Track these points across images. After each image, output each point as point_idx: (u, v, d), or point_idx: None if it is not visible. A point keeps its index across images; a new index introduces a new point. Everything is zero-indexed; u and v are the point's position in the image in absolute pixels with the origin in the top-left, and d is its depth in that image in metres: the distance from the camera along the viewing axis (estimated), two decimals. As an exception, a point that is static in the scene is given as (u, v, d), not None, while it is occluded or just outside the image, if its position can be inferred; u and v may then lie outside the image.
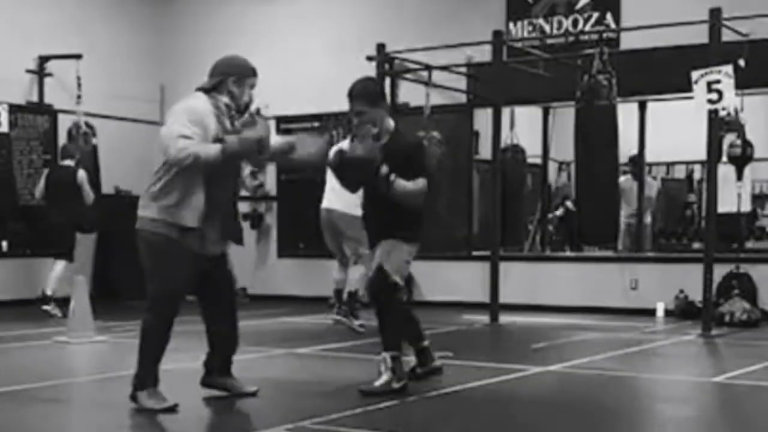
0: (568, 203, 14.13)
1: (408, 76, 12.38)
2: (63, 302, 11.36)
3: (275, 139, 5.88)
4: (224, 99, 5.70)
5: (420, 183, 5.98)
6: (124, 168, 13.31)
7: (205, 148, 5.39)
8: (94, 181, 12.38)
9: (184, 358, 7.14)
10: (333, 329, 9.65)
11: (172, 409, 5.48)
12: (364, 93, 6.14)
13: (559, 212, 14.27)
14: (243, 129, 5.57)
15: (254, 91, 5.91)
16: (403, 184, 5.91)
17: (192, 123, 5.46)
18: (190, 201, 5.48)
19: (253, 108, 5.97)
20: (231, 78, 5.77)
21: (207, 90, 5.72)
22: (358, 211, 7.59)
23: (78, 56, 12.88)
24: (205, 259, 5.64)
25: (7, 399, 5.99)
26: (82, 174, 11.63)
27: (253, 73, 5.91)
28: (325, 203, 9.53)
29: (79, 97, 12.78)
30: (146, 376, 5.60)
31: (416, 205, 6.04)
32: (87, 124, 12.74)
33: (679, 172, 15.43)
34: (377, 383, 5.88)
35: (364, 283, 9.21)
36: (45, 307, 11.21)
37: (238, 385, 5.96)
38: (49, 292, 11.30)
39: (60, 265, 11.50)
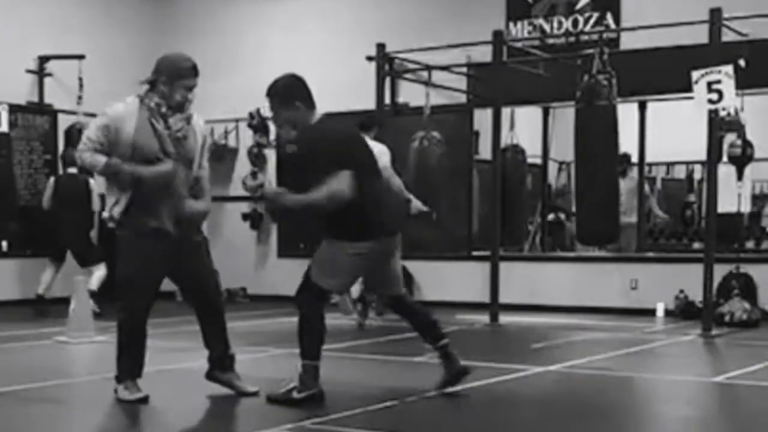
0: (562, 215, 14.13)
1: (408, 76, 12.38)
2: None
3: None
4: (155, 99, 5.77)
5: (322, 190, 5.46)
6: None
7: (92, 158, 5.69)
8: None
9: (185, 357, 7.15)
10: (332, 329, 9.69)
11: (144, 401, 5.64)
12: (275, 93, 5.75)
13: (551, 217, 14.25)
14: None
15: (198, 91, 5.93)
16: (294, 199, 5.61)
17: (99, 129, 5.71)
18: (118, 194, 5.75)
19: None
20: (162, 77, 5.79)
21: (150, 84, 5.83)
22: None
23: (80, 57, 12.88)
24: (167, 241, 5.69)
25: (7, 399, 5.99)
26: (93, 183, 11.55)
27: (188, 74, 5.81)
28: None
29: (80, 97, 12.79)
30: (121, 371, 5.76)
31: (335, 208, 5.51)
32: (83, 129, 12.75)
33: (679, 172, 15.43)
34: (281, 390, 5.67)
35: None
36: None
37: (239, 384, 5.98)
38: (93, 288, 11.21)
39: (99, 270, 11.42)
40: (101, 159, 5.66)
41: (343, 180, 5.45)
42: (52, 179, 12.01)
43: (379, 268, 5.87)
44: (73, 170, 11.71)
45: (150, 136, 5.69)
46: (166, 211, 5.71)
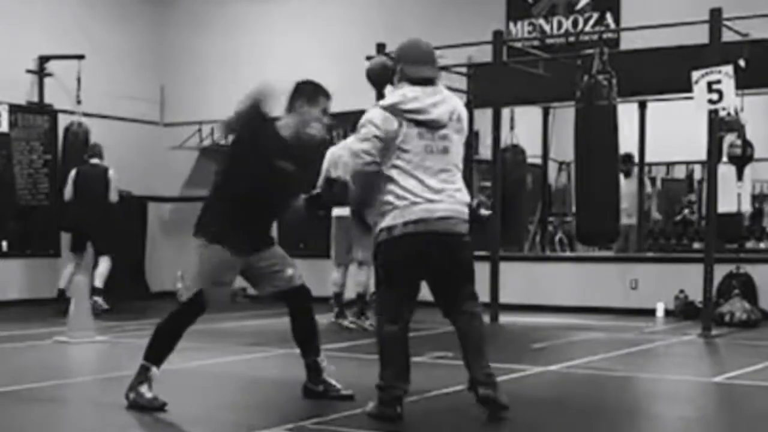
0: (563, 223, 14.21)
1: (408, 76, 12.35)
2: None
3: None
4: None
5: None
6: (124, 168, 13.28)
7: None
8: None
9: (185, 358, 7.14)
10: (332, 329, 9.68)
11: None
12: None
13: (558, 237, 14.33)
14: None
15: None
16: None
17: None
18: None
19: None
20: None
21: None
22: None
23: (80, 57, 12.89)
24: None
25: (7, 399, 5.99)
26: (113, 173, 11.84)
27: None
28: (337, 211, 9.45)
29: (77, 96, 12.82)
30: None
31: None
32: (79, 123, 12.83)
33: (679, 172, 15.44)
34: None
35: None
36: (96, 298, 11.37)
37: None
38: (98, 285, 11.59)
39: (104, 261, 11.75)
40: None
41: None
42: (73, 171, 12.02)
43: None
44: (96, 161, 11.90)
45: None
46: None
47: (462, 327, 5.30)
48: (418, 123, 5.06)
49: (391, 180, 5.06)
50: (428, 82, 5.21)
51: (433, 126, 5.09)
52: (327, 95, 5.64)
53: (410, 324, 5.25)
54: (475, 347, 5.25)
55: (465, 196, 5.24)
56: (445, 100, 5.19)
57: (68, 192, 11.86)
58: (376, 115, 5.08)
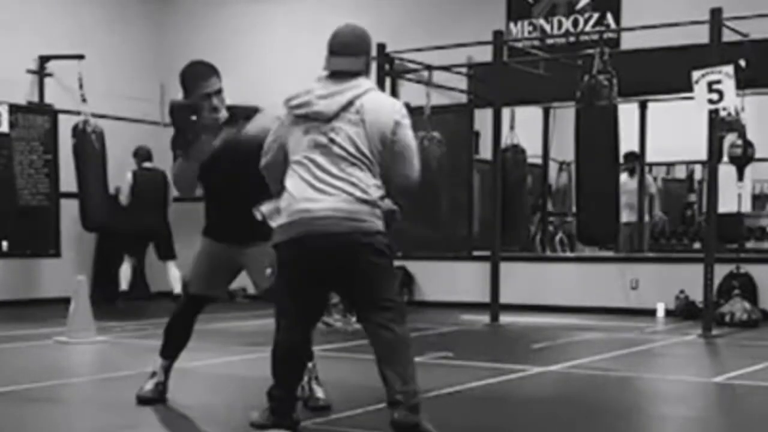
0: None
1: (408, 76, 12.37)
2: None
3: None
4: None
5: None
6: (124, 168, 13.28)
7: None
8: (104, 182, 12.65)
9: (184, 357, 7.13)
10: (331, 329, 9.67)
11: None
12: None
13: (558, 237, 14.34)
14: None
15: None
16: None
17: None
18: None
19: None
20: None
21: None
22: None
23: (80, 57, 12.88)
24: None
25: (7, 399, 5.99)
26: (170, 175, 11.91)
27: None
28: None
29: (82, 95, 12.81)
30: None
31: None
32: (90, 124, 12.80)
33: (680, 172, 15.42)
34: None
35: None
36: None
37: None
38: (177, 290, 11.55)
39: (173, 266, 11.89)
40: None
41: None
42: (129, 174, 12.19)
43: None
44: (148, 164, 12.09)
45: None
46: None
47: (371, 339, 4.80)
48: (304, 117, 4.62)
49: (285, 179, 4.69)
50: (342, 74, 4.69)
51: (317, 119, 4.59)
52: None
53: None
54: (387, 361, 4.68)
55: (364, 192, 4.55)
56: (343, 92, 4.62)
57: (126, 197, 12.07)
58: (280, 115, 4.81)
